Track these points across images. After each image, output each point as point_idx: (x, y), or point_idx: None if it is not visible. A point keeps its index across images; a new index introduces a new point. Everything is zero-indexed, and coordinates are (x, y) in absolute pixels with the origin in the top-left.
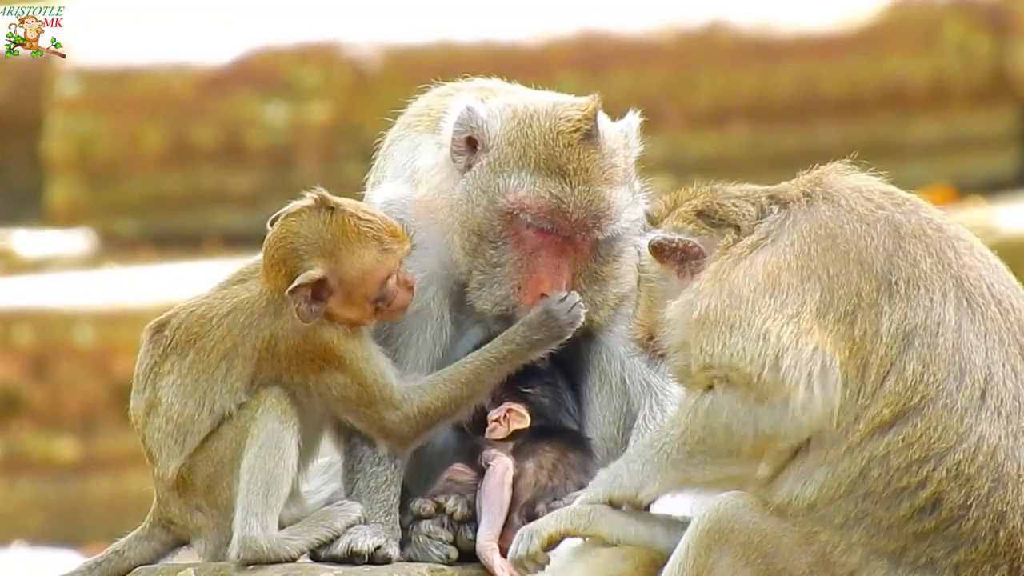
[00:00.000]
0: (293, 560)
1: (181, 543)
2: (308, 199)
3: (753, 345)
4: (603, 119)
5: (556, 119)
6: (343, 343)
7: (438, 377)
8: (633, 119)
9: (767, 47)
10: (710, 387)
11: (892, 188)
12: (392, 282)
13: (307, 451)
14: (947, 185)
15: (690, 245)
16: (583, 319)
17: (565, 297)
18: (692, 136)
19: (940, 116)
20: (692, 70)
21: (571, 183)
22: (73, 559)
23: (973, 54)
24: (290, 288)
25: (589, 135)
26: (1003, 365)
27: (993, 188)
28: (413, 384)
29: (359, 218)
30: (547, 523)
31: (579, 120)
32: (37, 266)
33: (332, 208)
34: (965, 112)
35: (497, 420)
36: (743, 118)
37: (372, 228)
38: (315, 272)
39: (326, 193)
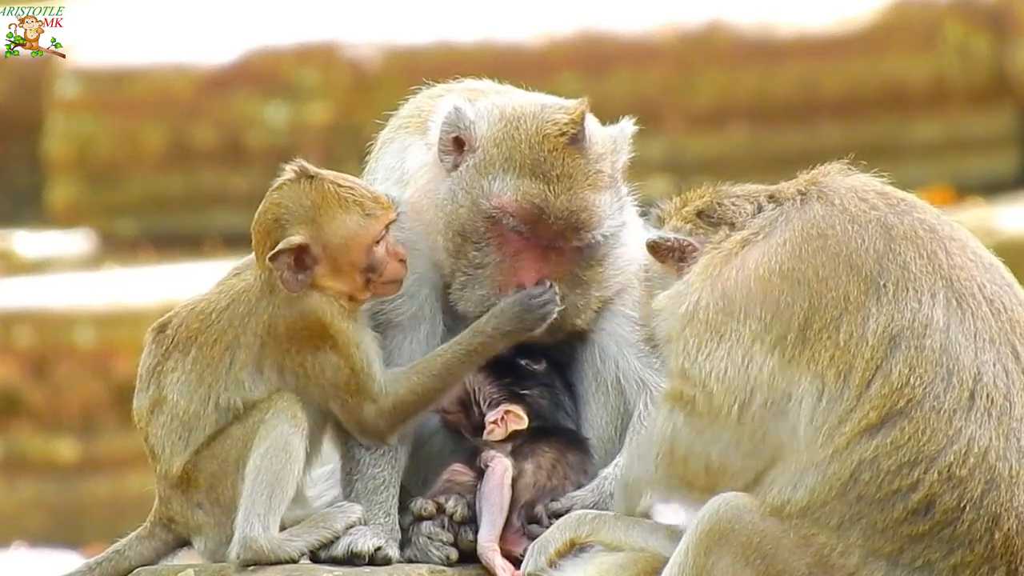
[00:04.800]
0: (294, 561)
1: (182, 543)
2: (289, 171)
3: (735, 369)
4: (592, 123)
5: (543, 122)
6: (338, 322)
7: (411, 369)
8: (627, 126)
9: (767, 47)
10: (674, 408)
11: (888, 188)
12: (380, 250)
13: (311, 453)
14: (947, 185)
15: (685, 243)
16: (556, 314)
17: (540, 292)
18: (692, 136)
19: (940, 116)
20: (692, 70)
21: (554, 190)
22: (73, 559)
23: (973, 54)
24: (270, 255)
25: (575, 139)
26: (993, 365)
27: (993, 189)
28: (390, 376)
29: (339, 185)
30: (553, 535)
31: (566, 124)
32: (37, 266)
33: (312, 177)
34: (965, 112)
35: (495, 422)
36: (743, 118)
37: (353, 194)
38: (295, 238)
39: (306, 163)
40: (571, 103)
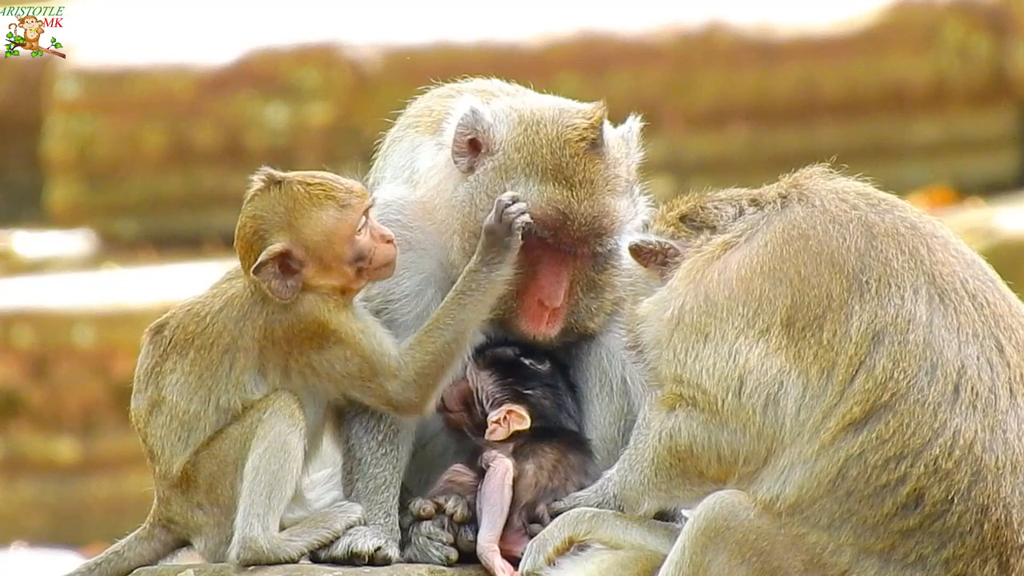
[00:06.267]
0: (293, 561)
1: (181, 544)
2: (257, 181)
3: (723, 363)
4: (606, 126)
5: (563, 127)
6: (335, 316)
7: (421, 333)
8: (633, 124)
9: (767, 47)
10: (674, 407)
11: (869, 189)
12: (363, 238)
13: (309, 452)
14: (947, 186)
15: (667, 247)
16: (523, 218)
17: (493, 209)
18: (692, 137)
19: (940, 117)
20: (692, 70)
21: (577, 196)
22: (73, 560)
23: (973, 54)
24: (252, 268)
25: (595, 145)
26: (977, 358)
27: (993, 189)
28: (403, 348)
29: (308, 184)
30: (551, 533)
31: (585, 129)
32: (37, 266)
33: (279, 182)
34: (965, 113)
35: (497, 422)
36: (743, 118)
37: (324, 189)
38: (275, 246)
39: (272, 170)
40: (587, 107)
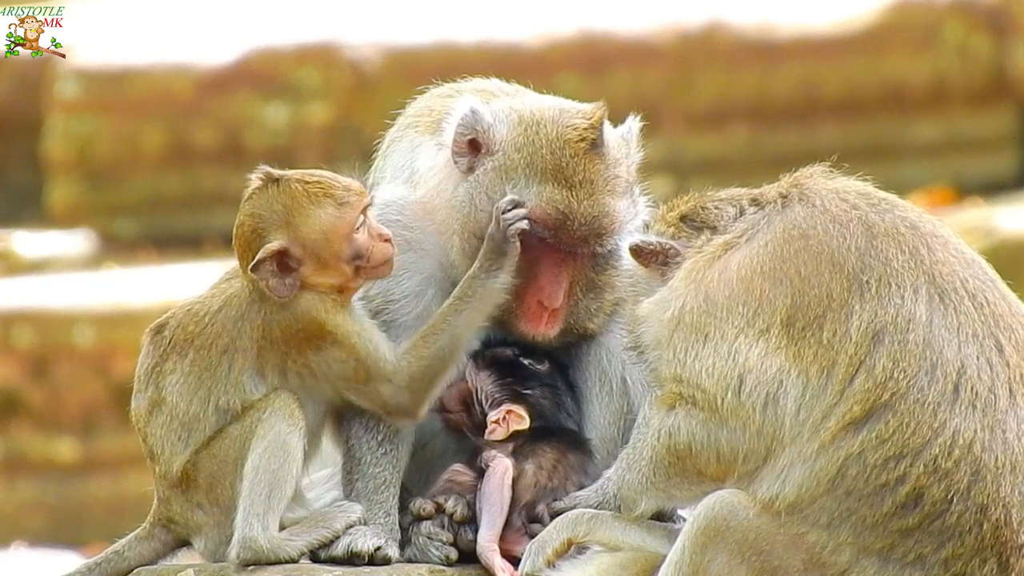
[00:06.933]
0: (293, 561)
1: (181, 543)
2: (255, 180)
3: (723, 362)
4: (606, 127)
5: (563, 127)
6: (332, 317)
7: (417, 338)
8: (633, 124)
9: (767, 47)
10: (673, 406)
11: (870, 188)
12: (361, 236)
13: (309, 452)
14: (947, 186)
15: (668, 247)
16: (520, 224)
17: (504, 209)
18: (692, 137)
19: (940, 116)
20: (692, 70)
21: (576, 197)
22: (73, 560)
23: (973, 54)
24: (251, 266)
25: (595, 145)
26: (977, 358)
27: (993, 189)
28: (399, 352)
29: (306, 182)
30: (550, 535)
31: (585, 129)
32: (37, 266)
33: (277, 180)
34: (965, 112)
35: (496, 421)
36: (743, 118)
37: (322, 187)
38: (273, 244)
39: (270, 168)
40: (587, 107)
